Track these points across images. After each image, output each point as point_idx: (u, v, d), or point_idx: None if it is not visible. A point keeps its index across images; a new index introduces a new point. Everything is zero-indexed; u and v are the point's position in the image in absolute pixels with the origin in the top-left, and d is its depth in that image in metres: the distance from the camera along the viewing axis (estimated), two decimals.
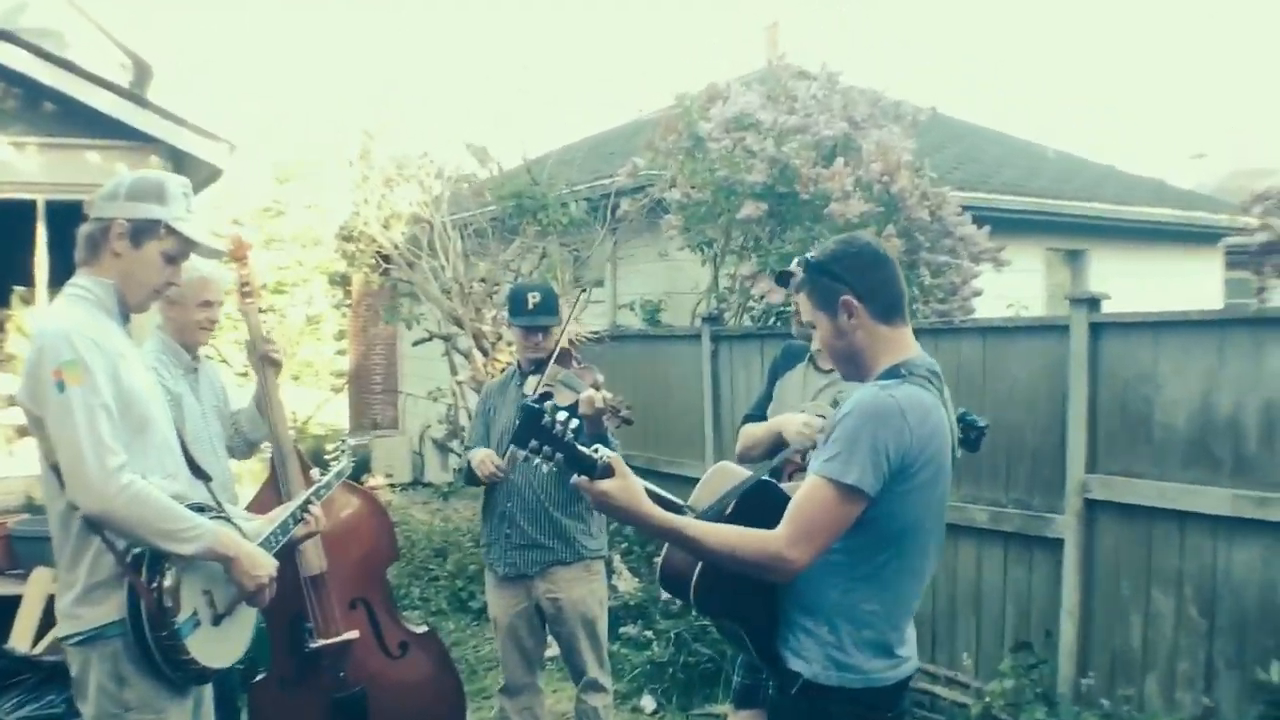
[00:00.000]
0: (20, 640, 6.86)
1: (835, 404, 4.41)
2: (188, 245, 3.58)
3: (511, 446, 5.14)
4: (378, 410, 19.93)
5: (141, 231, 3.47)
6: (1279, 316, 5.77)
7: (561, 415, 2.86)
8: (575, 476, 2.89)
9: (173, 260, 3.57)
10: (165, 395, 4.40)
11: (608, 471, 2.87)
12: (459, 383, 10.90)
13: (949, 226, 8.88)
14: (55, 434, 3.22)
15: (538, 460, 2.87)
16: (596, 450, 2.89)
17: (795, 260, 4.82)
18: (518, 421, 2.92)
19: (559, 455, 2.86)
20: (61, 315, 3.37)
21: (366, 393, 20.34)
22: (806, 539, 2.84)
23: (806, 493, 2.89)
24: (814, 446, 4.00)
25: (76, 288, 3.49)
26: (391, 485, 15.59)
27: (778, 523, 2.91)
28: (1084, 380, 5.87)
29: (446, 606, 9.25)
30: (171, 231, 3.50)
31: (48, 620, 6.96)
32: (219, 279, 4.86)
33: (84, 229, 3.52)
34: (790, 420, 4.44)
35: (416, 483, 16.58)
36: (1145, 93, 59.54)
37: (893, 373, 3.00)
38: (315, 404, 21.96)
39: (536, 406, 2.87)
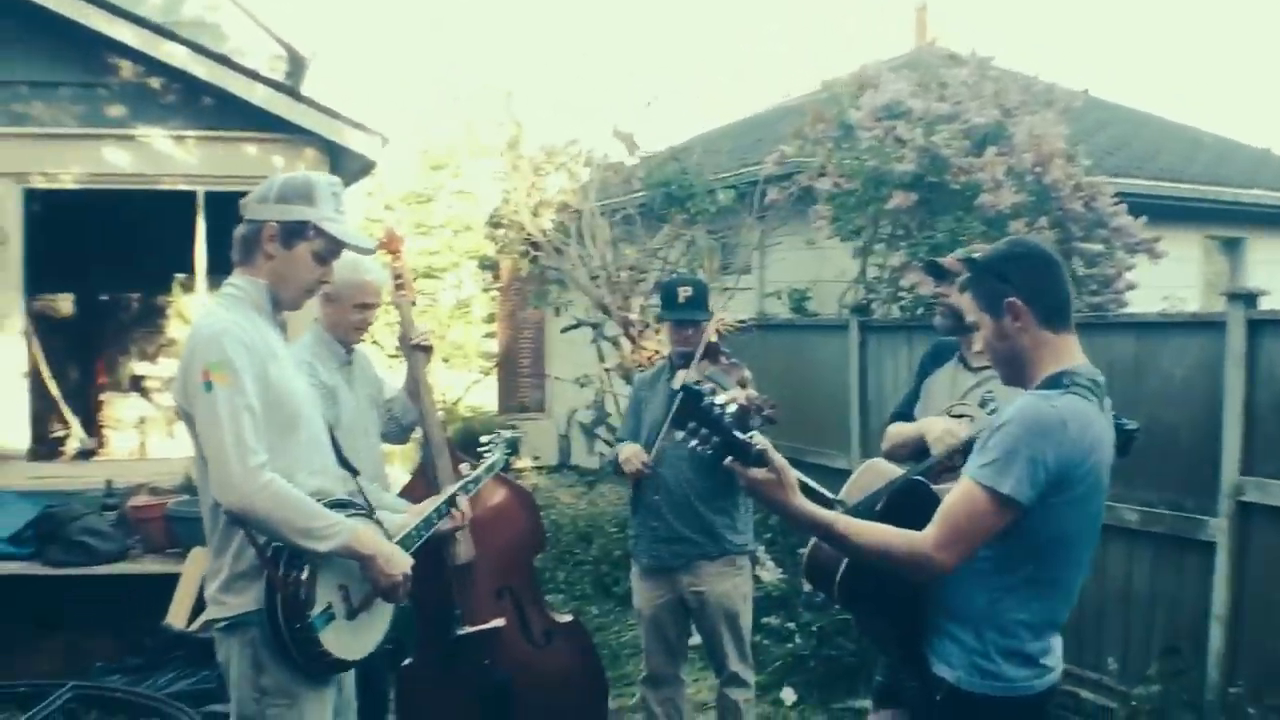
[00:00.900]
0: (177, 618, 7.05)
1: (983, 404, 4.38)
2: (337, 245, 3.66)
3: (669, 428, 5.17)
4: (525, 393, 20.09)
5: (292, 233, 3.57)
6: None
7: (720, 398, 2.87)
8: (728, 460, 2.90)
9: (323, 260, 3.66)
10: (320, 388, 4.53)
11: (762, 459, 2.88)
12: (606, 370, 10.96)
13: (1103, 217, 8.71)
14: (202, 432, 3.35)
15: (694, 442, 2.89)
16: (752, 437, 2.90)
17: (955, 254, 4.80)
18: (678, 402, 2.94)
19: (715, 438, 2.87)
20: (215, 316, 3.50)
21: (515, 375, 20.51)
22: (955, 542, 2.83)
23: (959, 496, 2.87)
24: (959, 452, 4.00)
25: (231, 287, 3.62)
26: (538, 468, 15.75)
27: (927, 523, 2.91)
28: (1240, 379, 5.73)
29: (590, 591, 9.33)
30: (321, 232, 3.58)
31: (204, 599, 7.15)
32: (377, 282, 4.95)
33: (238, 231, 3.63)
34: (934, 425, 4.41)
35: (563, 466, 16.71)
36: None
37: (1055, 381, 2.96)
38: (464, 386, 22.20)
39: (697, 388, 2.88)
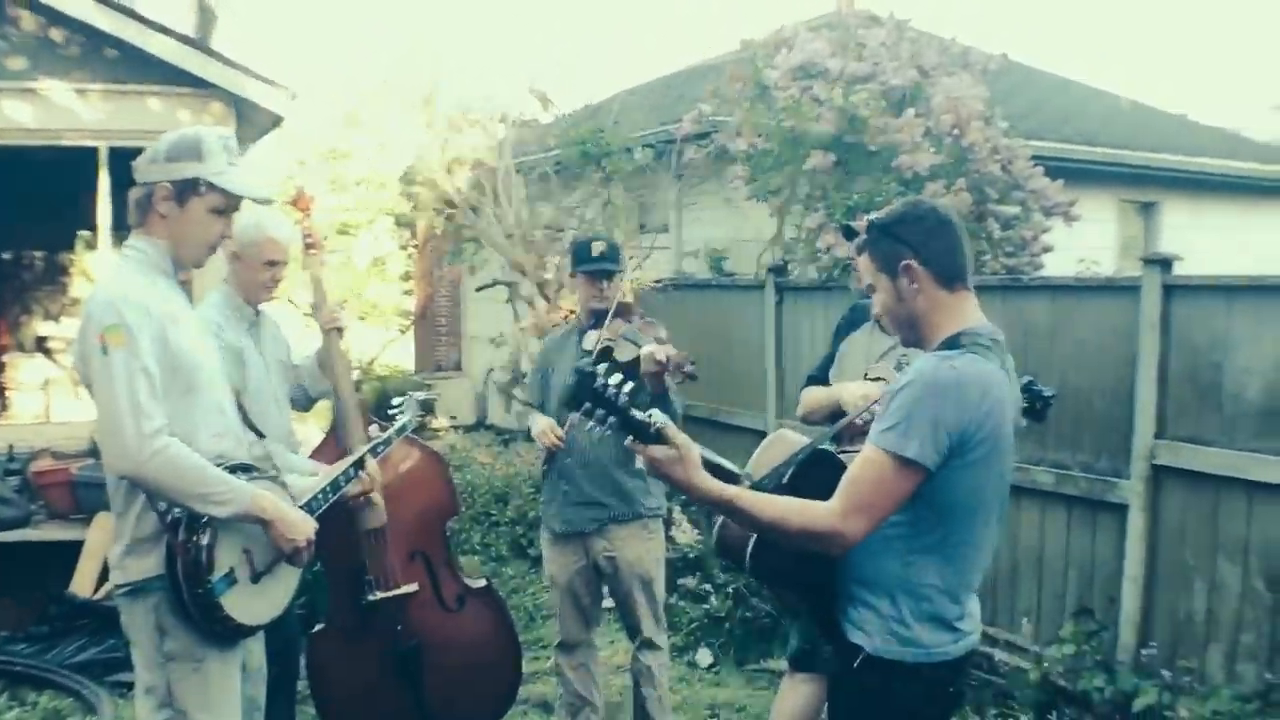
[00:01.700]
0: (82, 586, 6.95)
1: (899, 367, 4.38)
2: (232, 198, 3.62)
3: (568, 412, 5.13)
4: (442, 352, 19.98)
5: (184, 191, 3.52)
6: None
7: (615, 379, 2.83)
8: (629, 440, 2.86)
9: (220, 214, 3.62)
10: (227, 350, 4.44)
11: (660, 437, 2.84)
12: (521, 329, 10.88)
13: (1020, 180, 8.72)
14: (98, 396, 3.33)
15: (590, 423, 2.85)
16: (651, 415, 2.85)
17: (863, 216, 4.78)
18: (572, 385, 2.89)
19: (611, 419, 2.83)
20: (112, 280, 3.49)
21: (431, 334, 20.39)
22: (861, 511, 2.80)
23: (862, 464, 2.84)
24: (872, 417, 3.98)
25: (130, 249, 3.58)
26: (455, 427, 15.63)
27: (832, 493, 2.87)
28: (1155, 343, 5.76)
29: (507, 552, 9.27)
30: (213, 187, 3.54)
31: (107, 566, 7.03)
32: (285, 239, 4.85)
33: (131, 194, 3.58)
34: (850, 390, 4.42)
35: (480, 425, 16.61)
36: (1223, 41, 58.42)
37: (953, 341, 2.94)
38: (381, 344, 22.03)
39: (589, 370, 2.84)
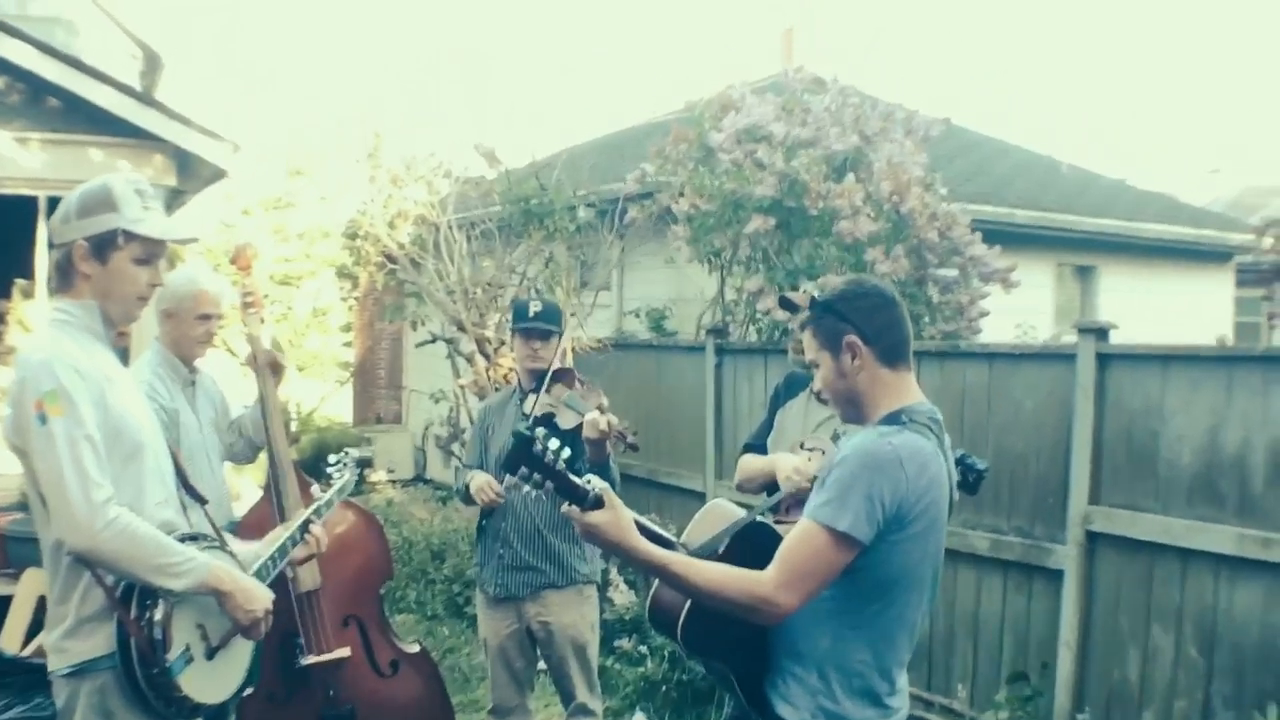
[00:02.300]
0: (10, 641, 6.83)
1: (836, 438, 4.40)
2: (155, 244, 3.46)
3: (505, 474, 5.11)
4: (382, 404, 19.89)
5: (103, 246, 3.35)
6: None
7: (554, 443, 2.83)
8: (565, 505, 2.86)
9: (145, 263, 3.43)
10: (161, 412, 4.35)
11: (598, 503, 2.84)
12: (461, 386, 10.86)
13: (959, 245, 8.80)
14: (39, 467, 3.12)
15: (526, 487, 2.84)
16: (589, 481, 2.86)
17: (803, 288, 4.82)
18: (509, 449, 2.88)
19: (549, 483, 2.82)
20: (44, 343, 3.28)
21: (371, 386, 20.30)
22: (795, 583, 2.80)
23: (798, 536, 2.84)
24: (808, 489, 4.00)
25: (59, 312, 3.40)
26: (393, 481, 15.55)
27: (769, 563, 2.87)
28: (1090, 410, 5.81)
29: (442, 611, 9.21)
30: (132, 236, 3.37)
31: (38, 622, 6.93)
32: (216, 291, 4.77)
33: (52, 258, 3.44)
34: (785, 461, 4.44)
35: (418, 479, 16.55)
36: (1160, 106, 59.42)
37: (893, 419, 2.96)
38: (320, 396, 21.92)
39: (527, 434, 2.84)
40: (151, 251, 3.45)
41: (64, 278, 3.40)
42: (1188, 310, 14.66)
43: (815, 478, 3.96)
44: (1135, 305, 12.65)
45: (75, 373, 3.18)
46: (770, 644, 3.04)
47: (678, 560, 2.89)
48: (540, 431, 2.85)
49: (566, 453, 2.83)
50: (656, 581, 3.11)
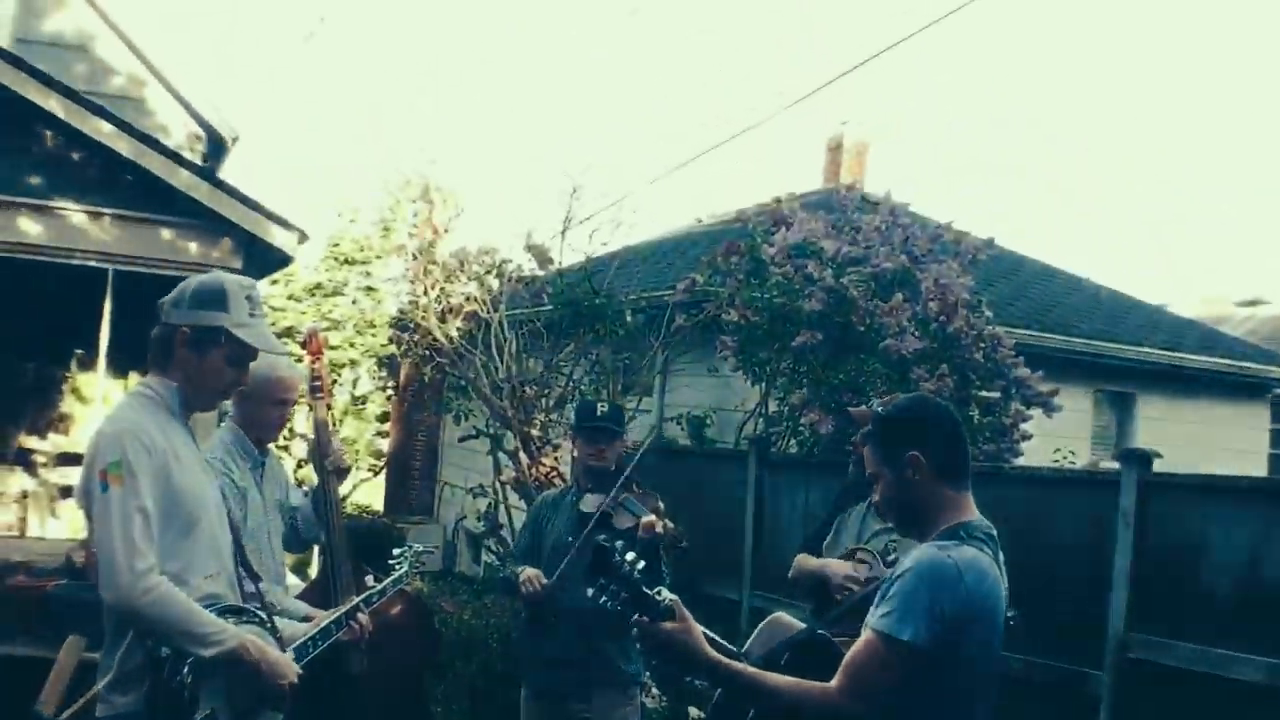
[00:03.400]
0: (49, 705, 6.89)
1: (886, 552, 4.47)
2: (250, 350, 3.66)
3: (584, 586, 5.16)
4: (414, 495, 19.95)
5: (204, 338, 3.55)
6: None
7: (630, 555, 2.90)
8: (636, 617, 2.92)
9: (237, 364, 3.65)
10: (232, 489, 4.49)
11: (670, 614, 2.91)
12: (502, 482, 10.93)
13: (1003, 367, 8.90)
14: (96, 531, 3.34)
15: (604, 598, 2.90)
16: (660, 593, 2.92)
17: (875, 402, 4.93)
18: (590, 560, 2.95)
19: (624, 594, 2.90)
20: (119, 417, 3.49)
21: (405, 477, 20.37)
22: (861, 692, 2.85)
23: (862, 647, 2.90)
24: (851, 594, 4.19)
25: (143, 387, 3.61)
26: (422, 574, 15.56)
27: (830, 676, 2.94)
28: (1130, 538, 5.85)
29: (468, 707, 9.19)
30: (234, 339, 3.58)
31: (75, 687, 6.99)
32: (293, 378, 4.89)
33: (154, 332, 3.61)
34: (837, 567, 4.54)
35: (448, 573, 16.53)
36: (1201, 233, 59.54)
37: (951, 534, 3.01)
38: (351, 484, 22.01)
39: (609, 545, 2.90)
40: (245, 355, 3.67)
41: (161, 355, 3.60)
42: (1223, 441, 14.66)
43: (867, 583, 4.10)
44: (1171, 433, 12.69)
45: (142, 446, 3.37)
46: None
47: (748, 671, 2.95)
48: (619, 544, 2.93)
49: (641, 564, 2.91)
50: (719, 692, 3.18)
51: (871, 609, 3.00)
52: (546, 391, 10.46)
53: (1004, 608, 3.04)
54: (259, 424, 4.85)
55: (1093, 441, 14.14)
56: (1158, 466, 5.98)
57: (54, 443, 11.79)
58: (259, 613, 3.74)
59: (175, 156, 8.87)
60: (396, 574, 4.88)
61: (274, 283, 25.34)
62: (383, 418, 25.21)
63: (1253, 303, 28.15)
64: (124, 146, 8.53)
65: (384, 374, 23.73)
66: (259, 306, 3.72)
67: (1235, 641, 5.41)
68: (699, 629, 2.94)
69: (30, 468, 11.64)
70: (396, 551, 5.07)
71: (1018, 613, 3.96)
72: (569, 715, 5.37)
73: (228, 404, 4.75)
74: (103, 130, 8.49)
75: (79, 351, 11.80)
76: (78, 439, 10.79)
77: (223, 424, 4.99)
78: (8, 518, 10.92)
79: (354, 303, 26.68)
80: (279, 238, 8.79)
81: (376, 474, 23.79)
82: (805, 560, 4.84)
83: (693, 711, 7.55)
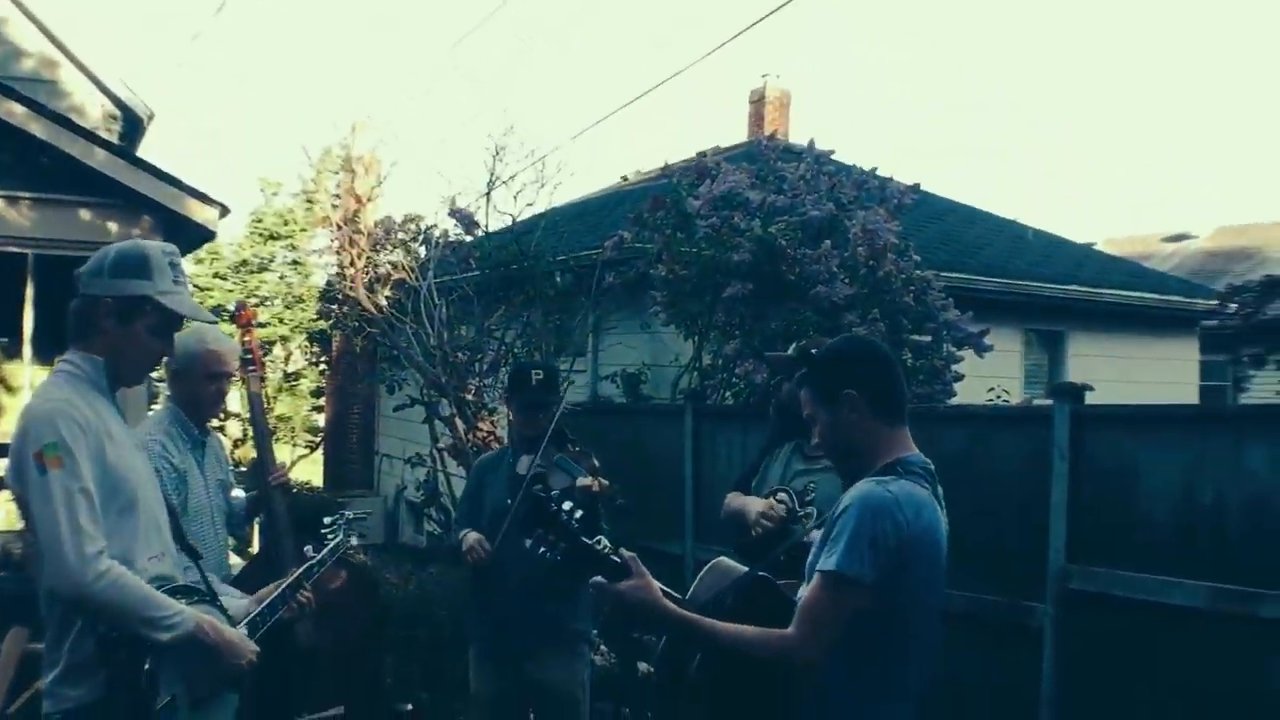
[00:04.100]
0: None
1: (803, 492, 4.57)
2: (176, 319, 3.57)
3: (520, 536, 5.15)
4: (353, 469, 19.86)
5: (128, 309, 3.44)
6: (1256, 414, 5.81)
7: (568, 505, 2.87)
8: (593, 582, 2.92)
9: (162, 334, 3.54)
10: (171, 471, 4.43)
11: (627, 571, 2.91)
12: (439, 449, 10.88)
13: (933, 310, 8.94)
14: (36, 517, 3.20)
15: (542, 549, 2.88)
16: (619, 552, 2.91)
17: (793, 346, 4.98)
18: (525, 510, 2.92)
19: (562, 544, 2.88)
20: (49, 395, 3.36)
21: (343, 451, 20.26)
22: (817, 634, 2.86)
23: (813, 590, 2.92)
24: (760, 532, 4.40)
25: (66, 364, 3.47)
26: (365, 546, 15.49)
27: (775, 617, 2.95)
28: (1066, 471, 5.90)
29: (419, 676, 9.17)
30: (159, 307, 3.47)
31: (21, 679, 6.92)
32: (226, 351, 4.83)
33: (73, 305, 3.49)
34: (755, 505, 4.66)
35: (390, 544, 16.49)
36: (1125, 171, 60.11)
37: (889, 469, 3.04)
38: (289, 460, 21.88)
39: (545, 496, 2.88)
40: (171, 324, 3.56)
41: (82, 328, 3.48)
42: (1154, 375, 14.84)
43: (781, 520, 4.15)
44: (1102, 370, 12.80)
45: (77, 426, 3.25)
46: (782, 700, 3.09)
47: (706, 623, 2.96)
48: (556, 493, 2.90)
49: (580, 514, 2.89)
50: (663, 642, 3.18)
51: (814, 550, 3.02)
52: (479, 356, 10.41)
53: (944, 542, 3.06)
54: (196, 401, 4.79)
55: (1025, 381, 14.27)
56: (1089, 400, 6.03)
57: None
58: (206, 591, 3.68)
59: (91, 136, 8.73)
60: (333, 543, 4.82)
61: (199, 261, 25.17)
62: (317, 393, 25.10)
63: (1178, 238, 28.54)
64: (38, 128, 8.39)
65: (316, 349, 23.62)
66: (182, 273, 3.62)
67: (1173, 568, 5.46)
68: (656, 584, 2.95)
69: None
70: (328, 520, 5.01)
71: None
72: (518, 676, 5.38)
73: (162, 385, 4.70)
74: (15, 113, 8.34)
75: (2, 340, 11.63)
76: (6, 430, 10.62)
77: (158, 404, 4.93)
78: None
79: (281, 278, 26.52)
80: (199, 213, 8.67)
81: (313, 450, 23.68)
82: (731, 499, 4.94)
83: (641, 666, 7.55)
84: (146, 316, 3.47)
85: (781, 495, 4.64)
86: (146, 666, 3.25)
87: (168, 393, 4.87)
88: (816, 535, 4.02)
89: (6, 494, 10.00)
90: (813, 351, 3.27)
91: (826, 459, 4.42)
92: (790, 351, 4.94)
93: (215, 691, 3.56)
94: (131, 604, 3.20)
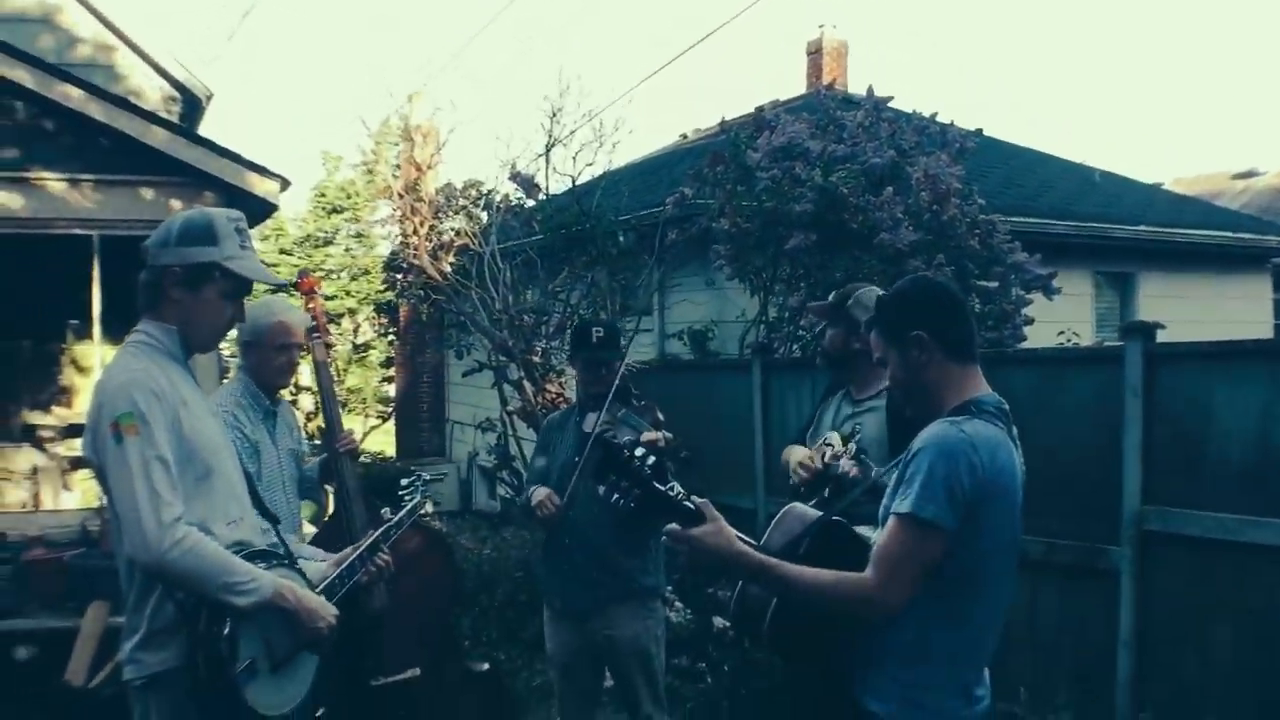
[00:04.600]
0: (76, 674, 6.91)
1: (852, 433, 4.54)
2: (245, 283, 3.58)
3: (579, 476, 5.16)
4: (425, 437, 19.96)
5: (197, 276, 3.46)
6: None
7: (640, 451, 2.86)
8: (667, 528, 2.91)
9: (232, 298, 3.56)
10: (244, 442, 4.47)
11: (700, 517, 2.89)
12: (509, 413, 10.90)
13: (1000, 254, 8.85)
14: (113, 486, 3.23)
15: (615, 496, 2.87)
16: (691, 498, 2.89)
17: (832, 294, 4.99)
18: (596, 457, 2.91)
19: (636, 490, 2.87)
20: (123, 365, 3.38)
21: (414, 420, 20.36)
22: (894, 579, 2.85)
23: (889, 534, 2.90)
24: (810, 484, 4.38)
25: (140, 334, 3.49)
26: (440, 513, 15.62)
27: (850, 561, 2.94)
28: (1139, 411, 5.82)
29: (496, 637, 9.24)
30: (227, 272, 3.49)
31: (103, 653, 7.02)
32: (296, 321, 4.86)
33: (142, 277, 3.51)
34: (795, 454, 4.67)
35: (465, 511, 16.59)
36: (1193, 110, 59.24)
37: (962, 409, 3.01)
38: (361, 432, 22.04)
39: (617, 442, 2.86)
40: (240, 289, 3.58)
41: (152, 299, 3.50)
42: (1226, 314, 14.64)
43: (824, 468, 4.31)
44: (1174, 311, 12.64)
45: (152, 395, 3.27)
46: (856, 639, 3.08)
47: (781, 565, 2.94)
48: (627, 439, 2.88)
49: (651, 460, 2.87)
50: (740, 584, 3.16)
51: (888, 493, 3.00)
52: (545, 319, 10.42)
53: (1020, 483, 3.02)
54: (266, 371, 4.83)
55: (1096, 324, 14.10)
56: (1161, 339, 5.94)
57: (59, 416, 11.77)
58: (284, 556, 3.70)
59: (149, 115, 8.76)
60: (410, 504, 4.86)
61: (264, 238, 25.37)
62: (386, 364, 25.23)
63: (1247, 174, 28.11)
64: (96, 110, 8.43)
65: (383, 320, 23.72)
66: (248, 238, 3.63)
67: (1251, 506, 5.39)
68: (730, 529, 2.93)
69: (38, 444, 11.63)
70: (404, 482, 5.05)
71: None
72: (591, 634, 5.39)
73: (233, 360, 4.72)
74: (72, 96, 8.39)
75: (73, 322, 11.75)
76: (81, 410, 10.75)
77: (230, 376, 4.96)
78: (21, 495, 10.92)
79: (346, 250, 26.67)
80: (260, 186, 8.69)
81: (385, 420, 23.82)
82: (786, 451, 4.90)
83: (717, 621, 7.56)
84: (215, 282, 3.49)
85: (829, 440, 4.62)
86: (225, 631, 3.26)
87: (240, 364, 4.90)
88: (852, 468, 4.06)
89: (84, 473, 10.17)
90: (880, 294, 3.24)
91: (872, 400, 4.52)
92: (830, 299, 4.94)
93: (295, 655, 3.56)
94: (209, 570, 3.21)
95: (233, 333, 3.87)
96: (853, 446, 4.43)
